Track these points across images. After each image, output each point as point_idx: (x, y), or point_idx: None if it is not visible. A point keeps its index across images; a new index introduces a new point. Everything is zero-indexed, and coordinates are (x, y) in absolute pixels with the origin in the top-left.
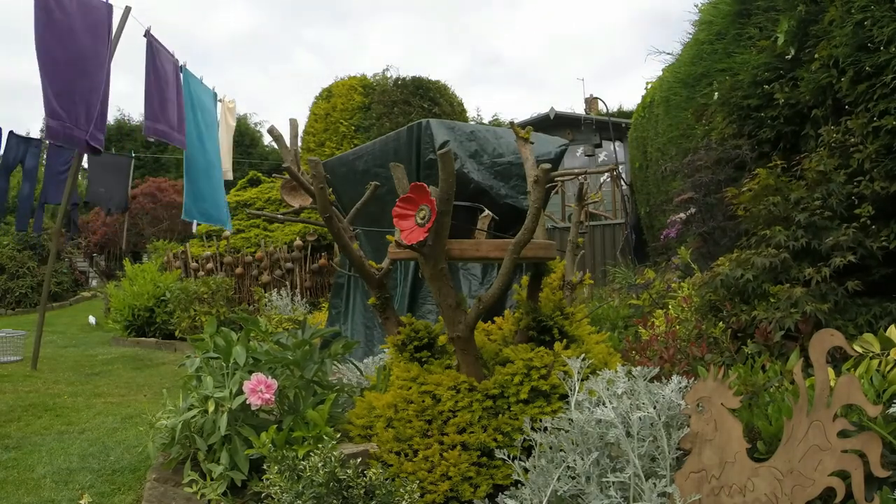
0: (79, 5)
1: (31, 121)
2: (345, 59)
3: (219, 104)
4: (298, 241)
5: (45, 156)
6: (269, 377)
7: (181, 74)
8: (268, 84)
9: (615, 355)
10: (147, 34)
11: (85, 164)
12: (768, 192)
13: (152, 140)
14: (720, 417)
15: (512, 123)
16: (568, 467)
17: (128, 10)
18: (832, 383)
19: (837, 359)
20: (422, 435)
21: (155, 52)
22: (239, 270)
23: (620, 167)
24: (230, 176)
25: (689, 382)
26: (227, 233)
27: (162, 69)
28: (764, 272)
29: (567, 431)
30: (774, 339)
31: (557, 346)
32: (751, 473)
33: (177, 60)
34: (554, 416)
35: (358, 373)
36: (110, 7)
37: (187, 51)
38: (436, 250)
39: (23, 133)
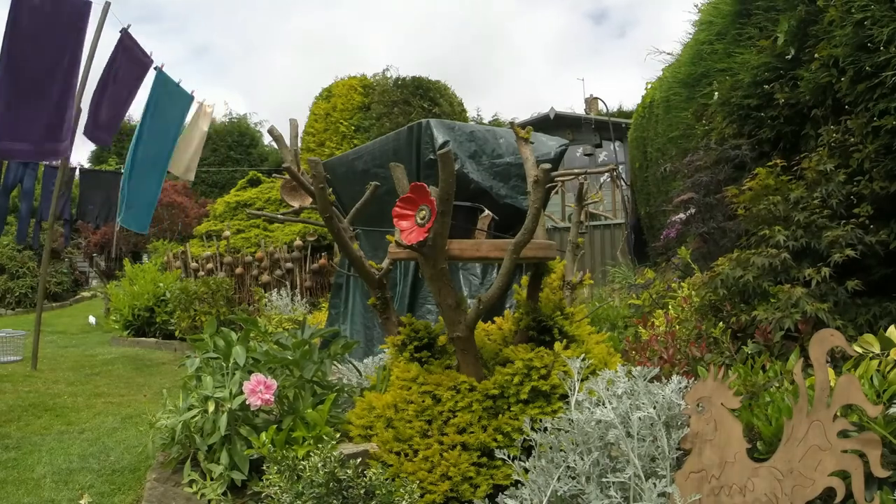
0: (54, 4)
1: None
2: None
3: (195, 106)
4: (298, 242)
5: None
6: (269, 377)
7: (154, 75)
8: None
9: (615, 355)
10: (123, 31)
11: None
12: (768, 192)
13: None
14: (720, 417)
15: (512, 123)
16: (568, 467)
17: (107, 5)
18: (832, 383)
19: (837, 359)
20: (422, 435)
21: (125, 50)
22: (239, 270)
23: (620, 167)
24: (191, 177)
25: (689, 382)
26: (227, 233)
27: (116, 67)
28: (764, 272)
29: (567, 431)
30: (774, 339)
31: (557, 346)
32: (751, 473)
33: (151, 62)
34: (554, 416)
35: (358, 373)
36: (88, 5)
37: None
38: (436, 250)
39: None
